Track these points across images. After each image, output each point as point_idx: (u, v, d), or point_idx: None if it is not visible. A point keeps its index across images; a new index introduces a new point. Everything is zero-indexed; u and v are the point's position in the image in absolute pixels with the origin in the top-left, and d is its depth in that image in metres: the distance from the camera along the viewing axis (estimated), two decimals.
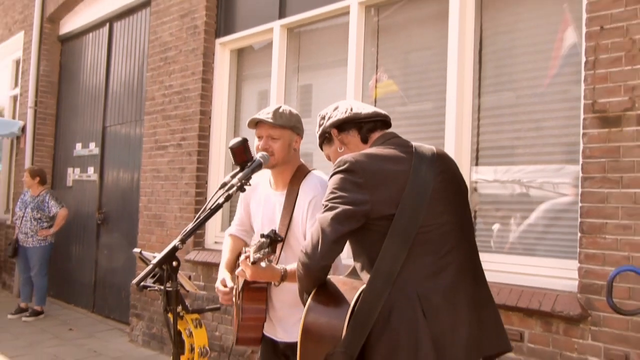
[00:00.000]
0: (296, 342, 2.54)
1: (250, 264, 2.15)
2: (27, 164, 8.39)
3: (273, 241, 2.09)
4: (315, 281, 2.00)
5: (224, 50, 5.71)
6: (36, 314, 7.20)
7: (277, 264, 2.46)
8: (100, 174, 7.58)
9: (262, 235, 2.10)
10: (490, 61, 3.85)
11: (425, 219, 1.94)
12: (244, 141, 2.47)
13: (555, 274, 3.32)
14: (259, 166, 2.43)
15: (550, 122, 3.56)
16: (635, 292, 2.91)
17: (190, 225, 2.27)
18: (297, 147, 2.66)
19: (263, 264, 2.11)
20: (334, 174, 2.01)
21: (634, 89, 2.98)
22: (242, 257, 2.20)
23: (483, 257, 2.23)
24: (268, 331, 2.68)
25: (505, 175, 3.72)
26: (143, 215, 6.22)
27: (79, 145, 8.13)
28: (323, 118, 2.30)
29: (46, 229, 7.30)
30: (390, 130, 2.25)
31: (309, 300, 1.97)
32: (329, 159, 2.32)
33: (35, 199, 7.32)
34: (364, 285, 1.91)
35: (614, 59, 3.05)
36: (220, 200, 2.33)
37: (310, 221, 2.49)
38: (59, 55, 8.83)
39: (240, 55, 5.77)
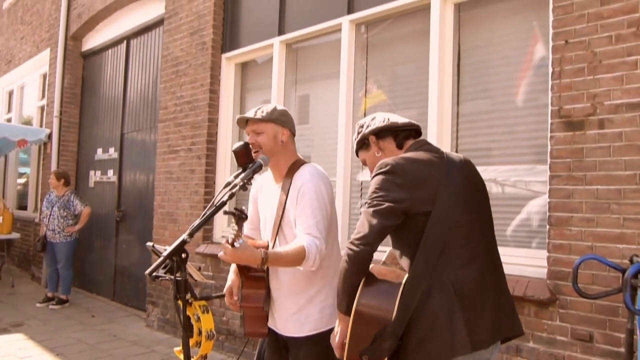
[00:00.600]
0: (292, 337, 2.51)
1: (228, 245, 2.08)
2: (53, 167, 8.37)
3: (239, 219, 2.02)
4: (362, 266, 2.00)
5: (229, 64, 5.70)
6: (62, 302, 7.18)
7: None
8: (119, 176, 7.56)
9: (226, 212, 2.02)
10: (468, 72, 3.86)
11: (456, 216, 1.98)
12: (246, 145, 2.46)
13: (527, 263, 3.32)
14: (259, 167, 2.42)
15: (521, 126, 3.56)
16: (598, 278, 2.92)
17: (197, 221, 2.26)
18: (285, 139, 2.57)
19: (237, 244, 2.03)
20: (377, 174, 2.04)
21: (595, 96, 2.98)
22: (224, 241, 2.12)
23: None
24: (270, 322, 2.62)
25: (482, 174, 3.67)
26: (157, 212, 6.21)
27: (99, 150, 8.11)
28: (362, 126, 2.32)
29: (72, 225, 7.28)
30: (421, 138, 2.30)
31: (362, 286, 1.97)
32: (365, 163, 2.34)
33: (61, 199, 7.29)
34: (407, 275, 1.95)
35: (577, 69, 3.06)
36: (225, 198, 2.31)
37: (298, 207, 2.43)
38: (82, 70, 8.81)
39: (244, 68, 5.76)
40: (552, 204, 3.12)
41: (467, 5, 3.87)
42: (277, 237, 2.50)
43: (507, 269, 3.29)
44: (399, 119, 2.30)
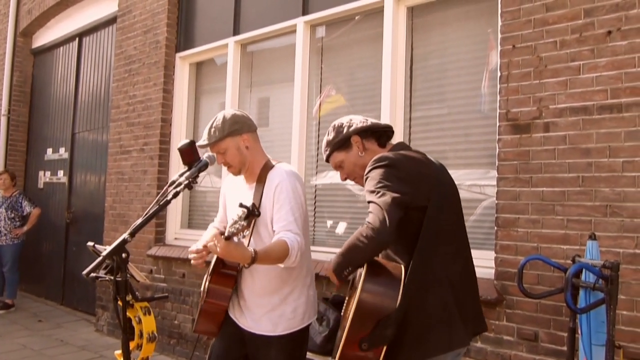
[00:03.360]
0: (264, 336, 2.45)
1: (224, 238, 1.99)
2: (1, 167, 8.06)
3: (250, 214, 1.93)
4: (379, 250, 1.98)
5: (183, 63, 5.60)
6: (7, 307, 6.89)
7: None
8: (70, 177, 7.33)
9: (241, 205, 1.93)
10: (421, 76, 3.88)
11: (445, 215, 2.05)
12: (192, 143, 2.39)
13: (476, 264, 3.31)
14: (205, 166, 2.36)
15: (474, 129, 3.60)
16: (543, 278, 2.97)
17: (139, 220, 2.18)
18: (248, 143, 2.53)
19: (236, 239, 1.96)
20: (376, 167, 2.03)
21: (541, 100, 3.04)
22: (217, 232, 2.06)
23: None
24: (235, 315, 2.54)
25: None
26: (108, 214, 6.04)
27: (49, 150, 7.85)
28: (341, 127, 2.29)
29: (19, 227, 7.03)
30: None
31: (364, 273, 1.92)
32: (340, 166, 2.31)
33: (8, 200, 7.04)
34: (406, 266, 1.97)
35: (524, 73, 3.12)
36: (169, 197, 2.25)
37: (276, 205, 2.39)
38: (32, 67, 8.50)
39: (199, 68, 5.66)
40: (500, 206, 3.16)
41: (420, 10, 3.90)
42: (252, 236, 2.45)
43: None
44: (378, 121, 2.35)
